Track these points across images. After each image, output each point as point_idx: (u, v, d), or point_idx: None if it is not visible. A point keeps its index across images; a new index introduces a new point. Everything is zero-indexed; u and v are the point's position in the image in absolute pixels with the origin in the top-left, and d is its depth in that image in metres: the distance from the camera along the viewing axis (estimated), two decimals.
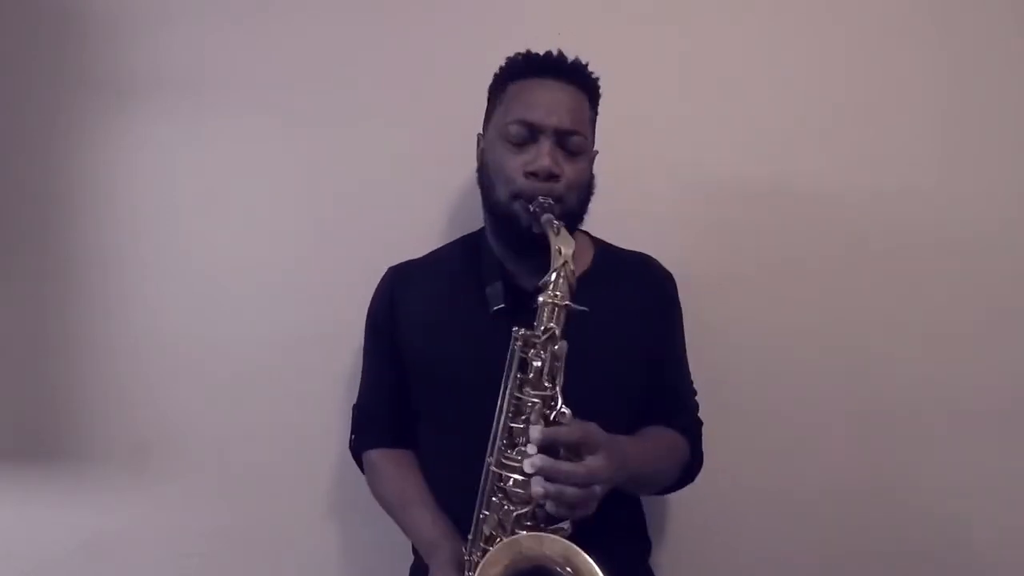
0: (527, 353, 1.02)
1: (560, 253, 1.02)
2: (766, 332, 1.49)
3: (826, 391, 1.49)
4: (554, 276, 1.02)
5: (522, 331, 1.02)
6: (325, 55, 1.52)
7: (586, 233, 1.28)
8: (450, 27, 1.52)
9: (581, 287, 1.09)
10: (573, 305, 1.02)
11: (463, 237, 1.31)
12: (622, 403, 1.11)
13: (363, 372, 1.32)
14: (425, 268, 1.28)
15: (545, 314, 1.01)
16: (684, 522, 1.49)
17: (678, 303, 1.26)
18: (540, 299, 1.02)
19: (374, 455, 1.28)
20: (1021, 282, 1.52)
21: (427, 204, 1.49)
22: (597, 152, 1.24)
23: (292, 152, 1.51)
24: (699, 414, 1.27)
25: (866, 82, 1.53)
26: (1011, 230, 1.52)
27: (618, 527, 1.16)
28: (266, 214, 1.51)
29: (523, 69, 1.17)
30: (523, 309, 1.06)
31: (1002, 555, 1.49)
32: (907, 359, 1.50)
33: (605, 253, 1.26)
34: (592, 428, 0.98)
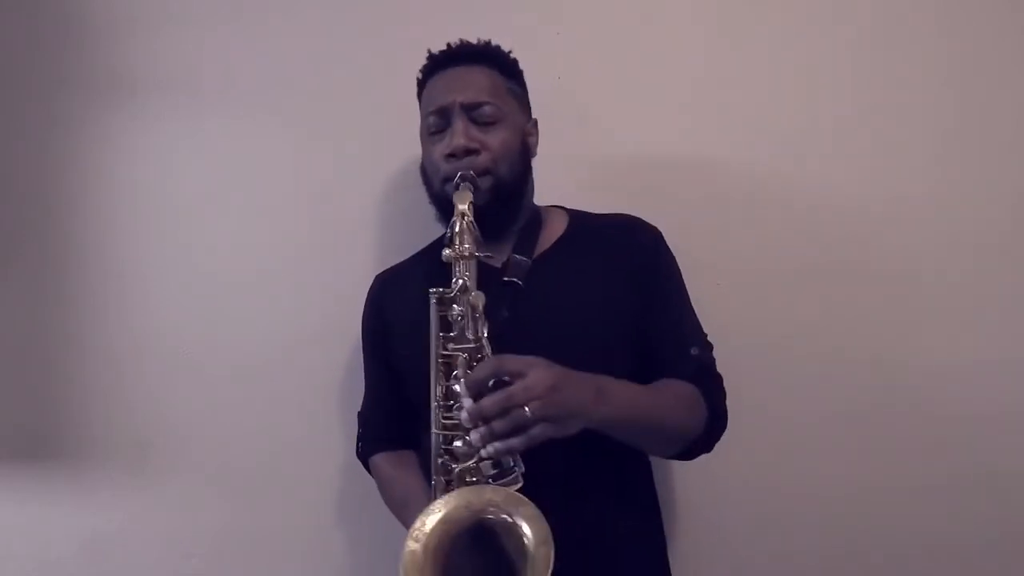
0: (445, 311, 1.03)
1: (456, 208, 1.05)
2: (766, 333, 1.49)
3: (826, 391, 1.49)
4: (456, 230, 1.05)
5: (436, 290, 1.04)
6: (324, 55, 1.52)
7: (561, 207, 1.27)
8: (450, 27, 1.51)
9: (553, 253, 1.15)
10: (479, 254, 1.04)
11: (436, 240, 1.32)
12: (610, 364, 1.06)
13: (365, 379, 1.34)
14: (407, 271, 1.30)
15: (456, 267, 1.04)
16: (686, 522, 1.48)
17: (665, 256, 1.21)
18: (444, 254, 1.05)
19: (378, 459, 1.29)
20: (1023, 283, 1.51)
21: (426, 203, 1.49)
22: (535, 120, 1.24)
23: (291, 152, 1.51)
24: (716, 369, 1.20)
25: (869, 84, 1.52)
26: (1013, 231, 1.51)
27: (616, 485, 1.14)
28: (266, 214, 1.51)
29: (430, 68, 1.22)
30: (490, 287, 1.07)
31: (1003, 554, 1.48)
32: (908, 359, 1.50)
33: (580, 220, 1.24)
34: (508, 358, 0.95)
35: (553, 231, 1.21)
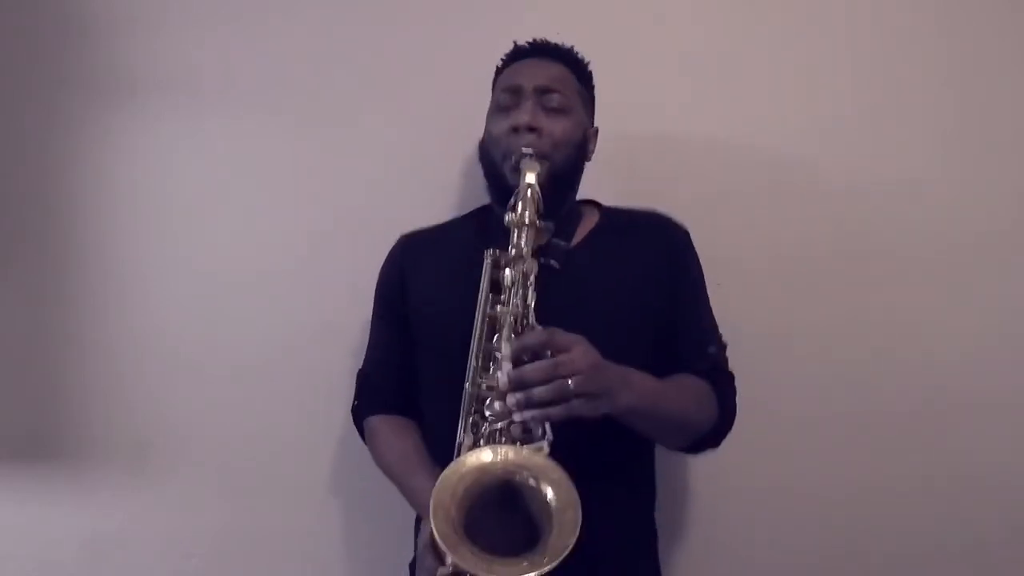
0: (498, 273, 1.06)
1: (524, 178, 1.09)
2: (766, 330, 1.49)
3: (827, 390, 1.49)
4: (520, 199, 1.07)
5: (493, 251, 1.07)
6: (324, 55, 1.52)
7: (594, 202, 1.30)
8: (450, 25, 1.52)
9: (588, 244, 1.20)
10: (540, 222, 1.06)
11: (474, 210, 1.34)
12: (632, 354, 1.08)
13: (370, 339, 1.32)
14: (435, 237, 1.31)
15: (514, 234, 1.06)
16: (686, 522, 1.48)
17: (691, 255, 1.25)
18: (506, 219, 1.07)
19: (376, 421, 1.28)
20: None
21: (426, 203, 1.49)
22: (597, 129, 1.28)
23: (291, 151, 1.51)
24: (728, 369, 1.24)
25: (870, 78, 1.52)
26: (1015, 226, 1.51)
27: (621, 471, 1.16)
28: (266, 213, 1.51)
29: (511, 56, 1.27)
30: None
31: (1005, 554, 1.48)
32: (910, 356, 1.50)
33: (613, 214, 1.28)
34: (559, 331, 0.97)
35: (588, 223, 1.25)
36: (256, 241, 1.50)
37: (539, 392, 0.93)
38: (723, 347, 1.23)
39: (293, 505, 1.48)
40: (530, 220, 1.06)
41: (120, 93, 1.49)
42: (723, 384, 1.19)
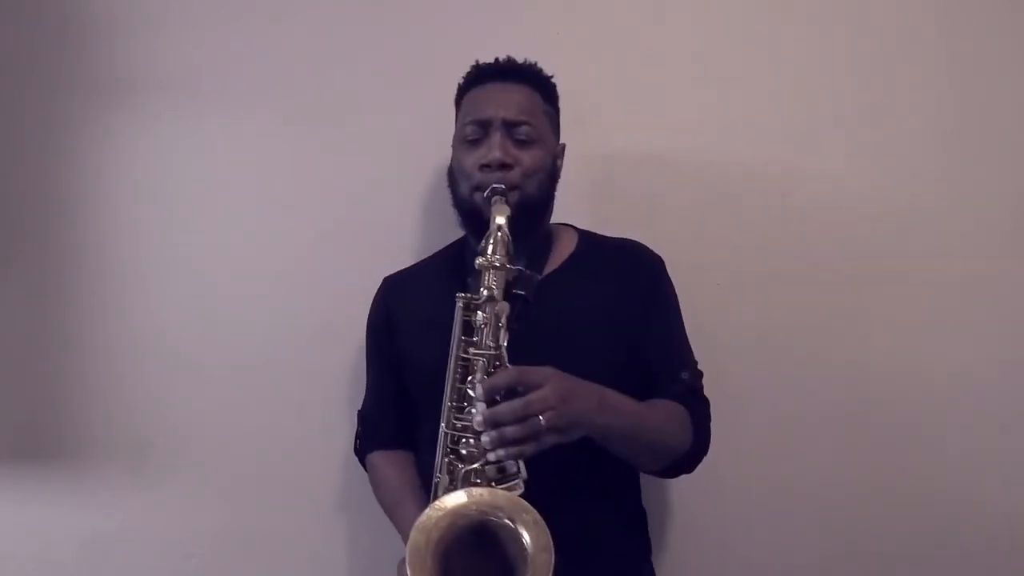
0: (470, 316, 1.07)
1: (494, 220, 1.10)
2: (760, 335, 1.49)
3: (825, 390, 1.49)
4: (490, 241, 1.08)
5: (464, 295, 1.08)
6: (324, 54, 1.52)
7: (570, 225, 1.31)
8: (449, 25, 1.52)
9: (564, 271, 1.22)
10: (510, 266, 1.08)
11: (451, 243, 1.35)
12: (606, 381, 1.09)
13: (367, 379, 1.36)
14: (416, 275, 1.33)
15: (484, 277, 1.07)
16: (684, 523, 1.48)
17: (665, 283, 1.27)
18: (477, 262, 1.08)
19: (375, 457, 1.32)
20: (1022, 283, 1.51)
21: (426, 203, 1.50)
22: (564, 145, 1.28)
23: (291, 152, 1.51)
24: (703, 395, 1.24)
25: (869, 83, 1.52)
26: (1014, 232, 1.51)
27: (614, 526, 1.18)
28: (266, 213, 1.51)
29: (475, 78, 1.26)
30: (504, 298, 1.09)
31: (1005, 552, 1.48)
32: (908, 358, 1.50)
33: (589, 240, 1.29)
34: (530, 369, 0.99)
35: (563, 249, 1.26)
36: (256, 241, 1.50)
37: (511, 431, 0.95)
38: (698, 375, 1.24)
39: (293, 505, 1.48)
40: (500, 263, 1.07)
41: (120, 93, 1.49)
42: (698, 409, 1.20)
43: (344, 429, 1.45)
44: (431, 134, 1.49)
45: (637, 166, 1.51)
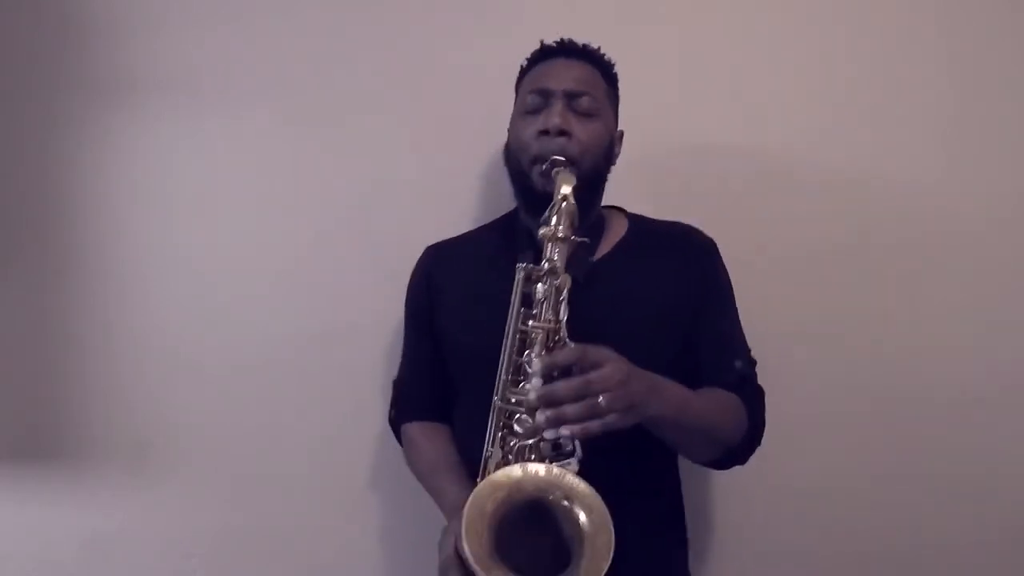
0: (530, 287, 1.05)
1: (560, 190, 1.07)
2: (775, 329, 1.48)
3: (827, 387, 1.49)
4: (555, 211, 1.06)
5: (525, 264, 1.06)
6: (324, 54, 1.52)
7: (620, 209, 1.30)
8: (450, 24, 1.52)
9: (616, 255, 1.19)
10: (575, 238, 1.05)
11: (499, 218, 1.33)
12: (658, 368, 1.07)
13: (404, 347, 1.34)
14: (462, 247, 1.31)
15: (547, 248, 1.05)
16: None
17: (720, 268, 1.24)
18: (540, 232, 1.06)
19: (411, 428, 1.30)
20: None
21: (427, 203, 1.49)
22: (623, 132, 1.27)
23: (291, 151, 1.51)
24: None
25: (871, 74, 1.53)
26: (1017, 225, 1.51)
27: (652, 516, 1.16)
28: (266, 213, 1.51)
29: (539, 56, 1.24)
30: None
31: (1005, 552, 1.48)
32: (912, 354, 1.50)
33: (640, 224, 1.27)
34: (591, 348, 0.96)
35: (614, 233, 1.24)
36: (256, 241, 1.50)
37: (570, 410, 0.92)
38: (752, 363, 1.21)
39: (293, 505, 1.48)
40: (564, 234, 1.05)
41: (120, 93, 1.49)
42: (752, 398, 1.17)
43: (344, 429, 1.45)
44: (432, 134, 1.50)
45: (641, 159, 1.49)
